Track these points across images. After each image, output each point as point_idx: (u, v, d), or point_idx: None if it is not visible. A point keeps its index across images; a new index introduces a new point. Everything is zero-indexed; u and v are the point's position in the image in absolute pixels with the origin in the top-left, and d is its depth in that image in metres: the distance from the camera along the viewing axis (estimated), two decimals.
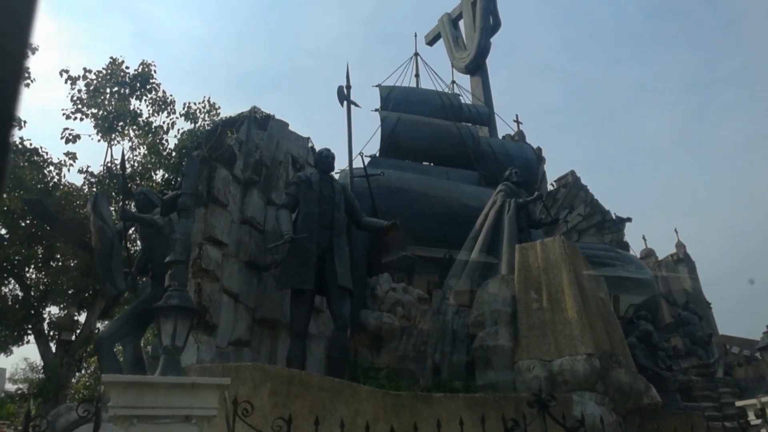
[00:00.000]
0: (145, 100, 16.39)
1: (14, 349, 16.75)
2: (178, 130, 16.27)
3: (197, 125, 16.23)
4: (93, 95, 15.69)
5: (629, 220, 15.39)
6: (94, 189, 14.75)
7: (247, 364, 5.79)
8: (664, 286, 16.21)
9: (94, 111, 15.65)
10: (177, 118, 16.49)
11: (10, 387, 27.46)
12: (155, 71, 16.55)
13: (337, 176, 9.77)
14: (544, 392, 5.55)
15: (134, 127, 15.94)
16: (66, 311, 16.28)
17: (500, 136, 16.01)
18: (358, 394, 5.84)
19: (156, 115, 16.41)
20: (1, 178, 0.53)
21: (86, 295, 15.99)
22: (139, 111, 16.12)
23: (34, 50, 15.64)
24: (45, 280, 15.82)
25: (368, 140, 13.95)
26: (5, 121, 0.52)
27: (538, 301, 7.76)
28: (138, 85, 16.22)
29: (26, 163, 14.80)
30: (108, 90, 15.91)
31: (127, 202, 8.57)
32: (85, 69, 15.83)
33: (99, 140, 15.91)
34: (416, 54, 17.31)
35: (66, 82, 15.65)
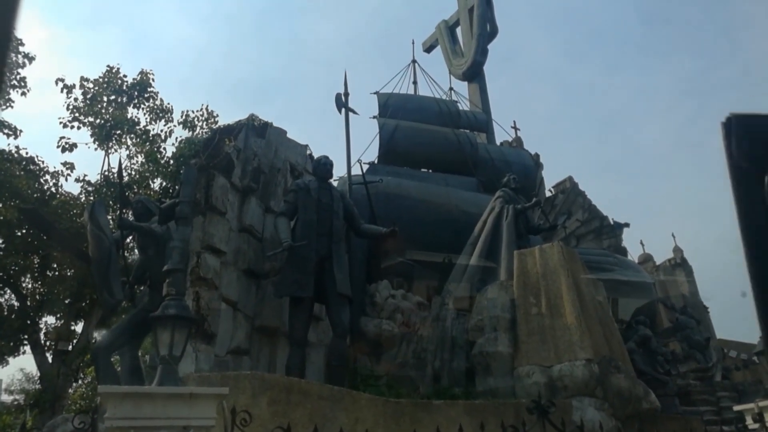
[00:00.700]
0: (143, 109, 16.41)
1: (10, 359, 16.65)
2: (176, 138, 16.29)
3: (195, 133, 16.25)
4: (90, 104, 15.70)
5: (627, 225, 15.43)
6: (91, 198, 14.73)
7: (246, 373, 5.77)
8: (662, 291, 16.23)
9: (91, 119, 15.65)
10: (175, 126, 16.51)
11: (6, 398, 27.31)
12: (153, 79, 16.58)
13: (335, 183, 9.77)
14: (543, 398, 5.54)
15: (132, 135, 15.94)
16: (63, 321, 16.21)
17: (498, 143, 16.05)
18: (358, 402, 5.81)
19: (154, 123, 16.44)
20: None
21: (83, 304, 15.93)
22: (136, 119, 16.14)
23: (30, 59, 15.66)
24: (41, 289, 15.77)
25: (366, 147, 13.99)
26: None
27: (537, 306, 7.76)
28: (136, 93, 16.24)
29: (22, 173, 14.77)
30: (105, 98, 15.92)
31: (124, 211, 8.55)
32: (82, 78, 15.85)
33: (96, 149, 15.92)
34: (414, 61, 17.37)
35: (62, 91, 15.67)
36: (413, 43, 18.02)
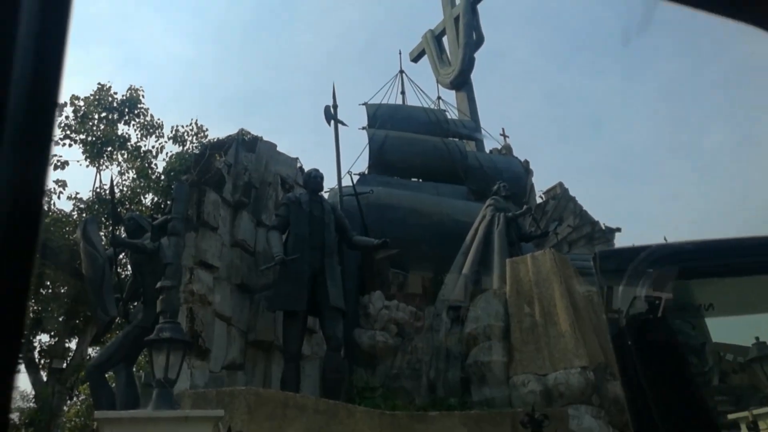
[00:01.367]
0: (134, 125, 16.41)
1: None
2: (167, 153, 16.29)
3: (185, 148, 16.25)
4: (81, 121, 15.69)
5: (619, 230, 15.50)
6: (84, 215, 14.69)
7: (242, 389, 5.78)
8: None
9: (83, 137, 15.63)
10: (165, 141, 16.51)
11: None
12: (143, 96, 16.60)
13: (326, 195, 9.81)
14: (539, 407, 5.57)
15: (123, 151, 15.93)
16: (57, 339, 16.11)
17: (487, 150, 16.13)
18: (354, 416, 5.83)
19: (144, 139, 16.44)
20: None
21: (77, 321, 15.84)
22: (127, 136, 16.14)
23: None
24: (35, 307, 15.66)
25: (356, 158, 14.01)
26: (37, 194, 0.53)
27: (530, 314, 7.80)
28: (126, 110, 16.24)
29: None
30: (96, 115, 15.91)
31: (117, 228, 8.55)
32: (72, 96, 15.84)
33: (87, 166, 15.88)
34: (401, 71, 17.46)
35: None
36: (400, 53, 18.13)
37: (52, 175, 17.69)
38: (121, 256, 11.56)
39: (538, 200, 16.78)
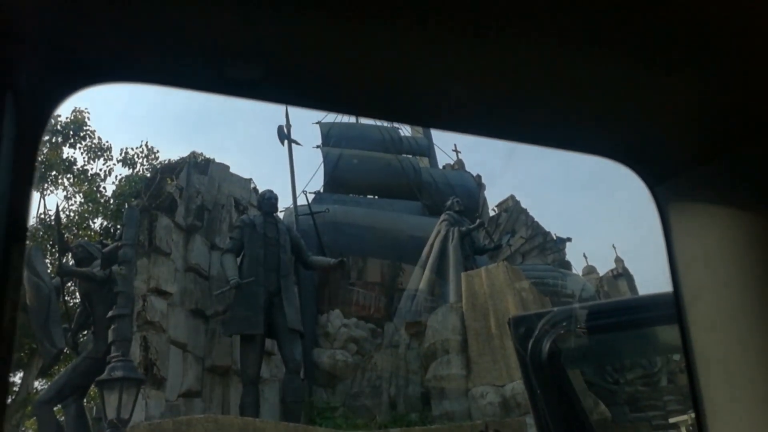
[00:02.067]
0: (80, 148, 15.98)
1: None
2: (116, 176, 15.92)
3: (136, 170, 15.92)
4: None
5: (569, 239, 15.95)
6: (27, 243, 14.16)
7: (200, 417, 5.67)
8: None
9: None
10: (114, 164, 16.14)
11: None
12: (88, 118, 16.20)
13: (281, 215, 9.78)
14: (496, 419, 5.67)
15: (68, 175, 15.48)
16: None
17: (440, 166, 16.41)
18: None
19: (92, 162, 16.01)
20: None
21: (21, 354, 15.17)
22: (73, 159, 15.69)
23: None
24: None
25: (311, 177, 14.11)
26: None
27: (486, 327, 7.93)
28: (71, 132, 15.81)
29: None
30: None
31: (64, 256, 8.30)
32: None
33: None
34: None
35: None
36: None
37: None
38: (69, 285, 11.20)
39: (491, 213, 17.13)
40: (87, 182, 15.56)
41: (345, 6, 0.56)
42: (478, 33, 0.60)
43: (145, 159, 16.20)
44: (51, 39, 0.57)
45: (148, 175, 11.63)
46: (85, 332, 8.10)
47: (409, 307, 9.31)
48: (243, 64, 0.62)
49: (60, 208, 14.18)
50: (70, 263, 8.10)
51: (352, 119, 16.57)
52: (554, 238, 16.18)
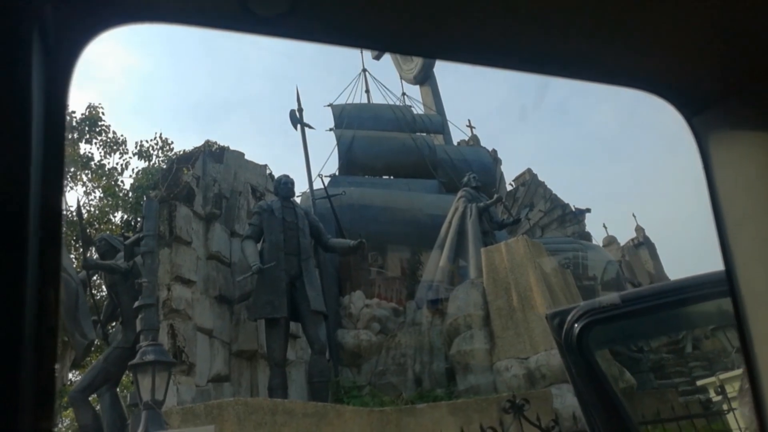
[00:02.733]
0: (96, 143, 16.15)
1: None
2: (133, 169, 16.08)
3: (152, 163, 16.07)
4: None
5: (588, 210, 15.83)
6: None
7: (230, 400, 5.79)
8: (628, 271, 16.70)
9: None
10: (130, 157, 16.30)
11: None
12: (103, 113, 16.34)
13: (298, 200, 9.83)
14: (522, 391, 5.70)
15: (87, 171, 15.67)
16: None
17: (455, 143, 16.30)
18: (343, 416, 5.89)
19: (108, 156, 16.19)
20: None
21: None
22: (90, 154, 15.88)
23: None
24: None
25: (326, 160, 14.06)
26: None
27: (508, 301, 7.94)
28: (87, 128, 15.97)
29: None
30: None
31: (88, 250, 8.45)
32: None
33: None
34: (364, 70, 17.53)
35: None
36: (362, 52, 18.16)
37: None
38: (94, 278, 11.42)
39: (508, 188, 17.03)
40: (105, 177, 15.76)
41: None
42: None
43: (160, 150, 16.34)
44: None
45: (164, 166, 11.73)
46: (114, 323, 8.27)
47: (430, 284, 9.33)
48: None
49: (81, 204, 14.40)
50: (94, 257, 8.26)
51: (364, 100, 16.51)
52: (573, 209, 16.06)
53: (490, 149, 15.88)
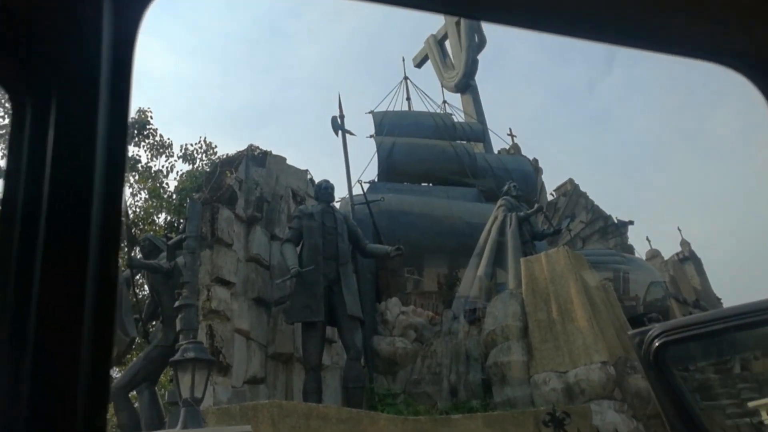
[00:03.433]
0: (143, 146, 16.61)
1: None
2: (177, 172, 16.46)
3: (195, 166, 16.42)
4: None
5: (631, 223, 15.45)
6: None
7: (265, 402, 5.82)
8: (673, 286, 16.19)
9: None
10: (175, 160, 16.69)
11: None
12: (151, 117, 16.81)
13: (337, 205, 9.87)
14: (561, 405, 5.56)
15: (134, 173, 16.11)
16: None
17: (495, 151, 16.15)
18: (377, 423, 5.85)
19: (155, 159, 16.62)
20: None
21: None
22: (138, 157, 16.34)
23: None
24: None
25: (366, 166, 14.15)
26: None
27: (547, 312, 7.78)
28: (135, 131, 16.44)
29: None
30: None
31: (132, 249, 8.66)
32: None
33: None
34: (405, 78, 17.56)
35: None
36: (404, 60, 18.22)
37: None
38: (137, 277, 11.70)
39: (549, 198, 16.76)
40: (151, 179, 16.17)
41: None
42: None
43: (204, 154, 16.69)
44: None
45: (208, 169, 11.96)
46: (155, 322, 8.44)
47: (468, 293, 9.23)
48: None
49: (127, 204, 14.80)
50: (138, 257, 8.45)
51: (405, 107, 16.51)
52: (616, 221, 15.70)
53: (531, 158, 15.68)
